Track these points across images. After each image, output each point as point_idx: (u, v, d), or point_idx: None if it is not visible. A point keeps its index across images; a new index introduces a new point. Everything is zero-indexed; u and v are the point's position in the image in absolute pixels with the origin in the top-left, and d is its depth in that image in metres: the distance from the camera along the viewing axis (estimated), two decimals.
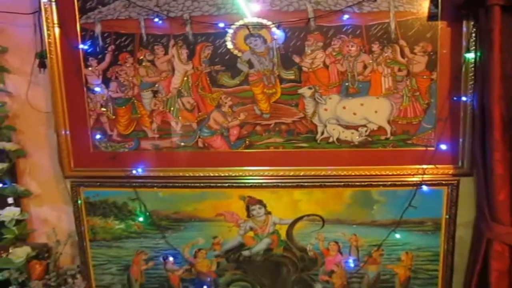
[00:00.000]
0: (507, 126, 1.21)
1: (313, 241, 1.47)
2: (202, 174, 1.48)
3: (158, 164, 1.50)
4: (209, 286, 1.55)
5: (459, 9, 1.26)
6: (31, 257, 1.55)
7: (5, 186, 1.55)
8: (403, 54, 1.34)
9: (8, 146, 1.55)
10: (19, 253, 1.52)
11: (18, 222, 1.56)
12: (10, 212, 1.53)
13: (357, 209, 1.42)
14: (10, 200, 1.57)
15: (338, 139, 1.40)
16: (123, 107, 1.47)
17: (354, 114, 1.38)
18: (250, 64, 1.39)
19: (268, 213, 1.48)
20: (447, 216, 1.38)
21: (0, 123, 1.55)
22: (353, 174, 1.40)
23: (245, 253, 1.51)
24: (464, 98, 1.32)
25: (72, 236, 1.64)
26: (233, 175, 1.46)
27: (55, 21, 1.41)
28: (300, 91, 1.38)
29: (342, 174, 1.40)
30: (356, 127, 1.39)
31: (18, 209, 1.56)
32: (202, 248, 1.54)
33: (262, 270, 1.52)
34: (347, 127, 1.39)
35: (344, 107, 1.37)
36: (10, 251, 1.52)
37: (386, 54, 1.34)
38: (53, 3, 1.39)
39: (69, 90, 1.47)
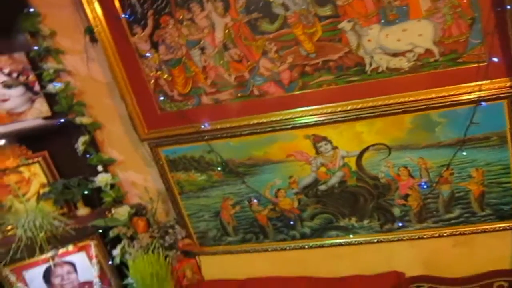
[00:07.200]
0: None
1: (383, 169, 3.07)
2: (265, 120, 3.10)
3: (222, 116, 3.16)
4: (295, 221, 3.37)
5: None
6: (131, 214, 3.51)
7: (91, 155, 3.51)
8: None
9: (84, 120, 3.41)
10: (122, 212, 3.47)
11: (112, 186, 3.51)
12: (104, 178, 3.48)
13: (420, 133, 2.90)
14: (99, 168, 3.51)
15: (387, 67, 2.78)
16: (176, 67, 3.14)
17: (399, 40, 2.70)
18: (285, 7, 2.80)
19: (335, 148, 3.11)
20: None
21: (70, 101, 3.39)
22: (409, 99, 2.81)
23: (322, 187, 3.24)
24: (508, 7, 2.47)
25: (161, 193, 3.58)
26: (294, 116, 3.05)
27: None
28: (340, 26, 2.76)
29: (399, 101, 2.82)
30: (403, 54, 2.73)
31: (109, 174, 3.49)
32: (281, 188, 3.31)
33: (341, 201, 3.23)
34: (394, 54, 2.74)
35: (387, 35, 2.71)
36: (113, 211, 3.49)
37: None
38: None
39: (124, 59, 3.18)
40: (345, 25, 2.86)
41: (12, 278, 3.31)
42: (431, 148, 3.03)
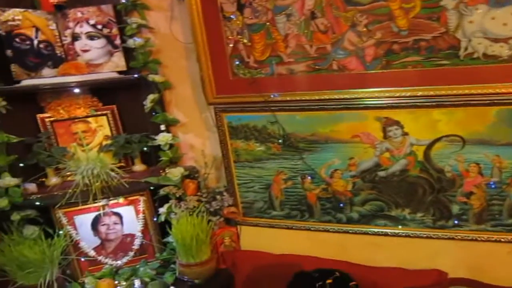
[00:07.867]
0: None
1: (452, 162, 2.08)
2: (337, 97, 2.17)
3: (294, 88, 2.24)
4: (345, 205, 2.38)
5: None
6: (184, 176, 2.60)
7: (157, 114, 2.61)
8: None
9: (157, 78, 2.52)
10: (175, 173, 2.57)
11: (170, 146, 2.61)
12: (165, 137, 2.58)
13: (502, 129, 1.94)
14: (162, 127, 2.62)
15: (484, 54, 1.87)
16: (258, 33, 2.23)
17: (505, 25, 1.80)
18: None
19: (405, 134, 2.13)
20: None
21: (147, 58, 2.53)
22: (500, 91, 1.88)
23: (381, 173, 2.24)
24: None
25: (217, 159, 2.65)
26: (369, 96, 2.12)
27: None
28: (442, 2, 1.86)
29: (488, 92, 1.90)
30: (506, 40, 1.82)
31: (170, 134, 2.60)
32: (338, 169, 2.33)
33: (398, 190, 2.23)
34: (495, 40, 1.83)
35: (493, 18, 1.81)
36: (167, 171, 2.59)
37: None
38: None
39: (207, 20, 2.29)
40: (448, 2, 1.89)
41: (64, 220, 2.59)
42: (510, 146, 2.01)
